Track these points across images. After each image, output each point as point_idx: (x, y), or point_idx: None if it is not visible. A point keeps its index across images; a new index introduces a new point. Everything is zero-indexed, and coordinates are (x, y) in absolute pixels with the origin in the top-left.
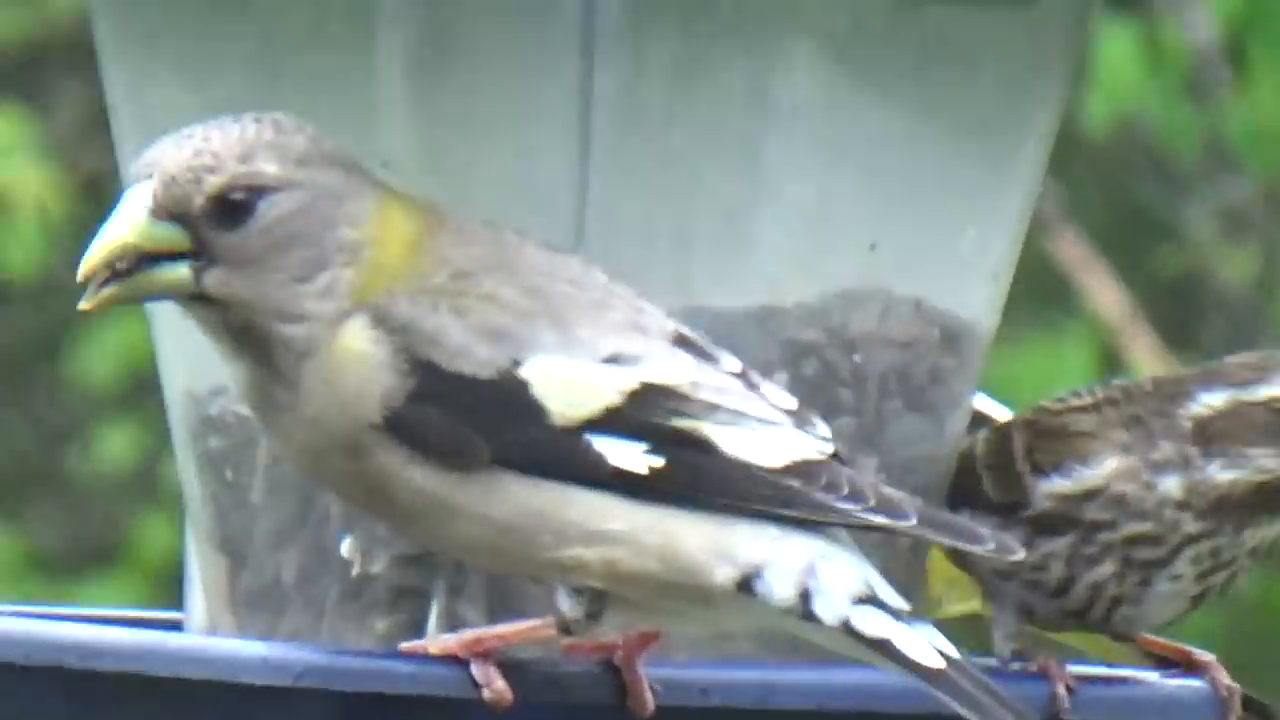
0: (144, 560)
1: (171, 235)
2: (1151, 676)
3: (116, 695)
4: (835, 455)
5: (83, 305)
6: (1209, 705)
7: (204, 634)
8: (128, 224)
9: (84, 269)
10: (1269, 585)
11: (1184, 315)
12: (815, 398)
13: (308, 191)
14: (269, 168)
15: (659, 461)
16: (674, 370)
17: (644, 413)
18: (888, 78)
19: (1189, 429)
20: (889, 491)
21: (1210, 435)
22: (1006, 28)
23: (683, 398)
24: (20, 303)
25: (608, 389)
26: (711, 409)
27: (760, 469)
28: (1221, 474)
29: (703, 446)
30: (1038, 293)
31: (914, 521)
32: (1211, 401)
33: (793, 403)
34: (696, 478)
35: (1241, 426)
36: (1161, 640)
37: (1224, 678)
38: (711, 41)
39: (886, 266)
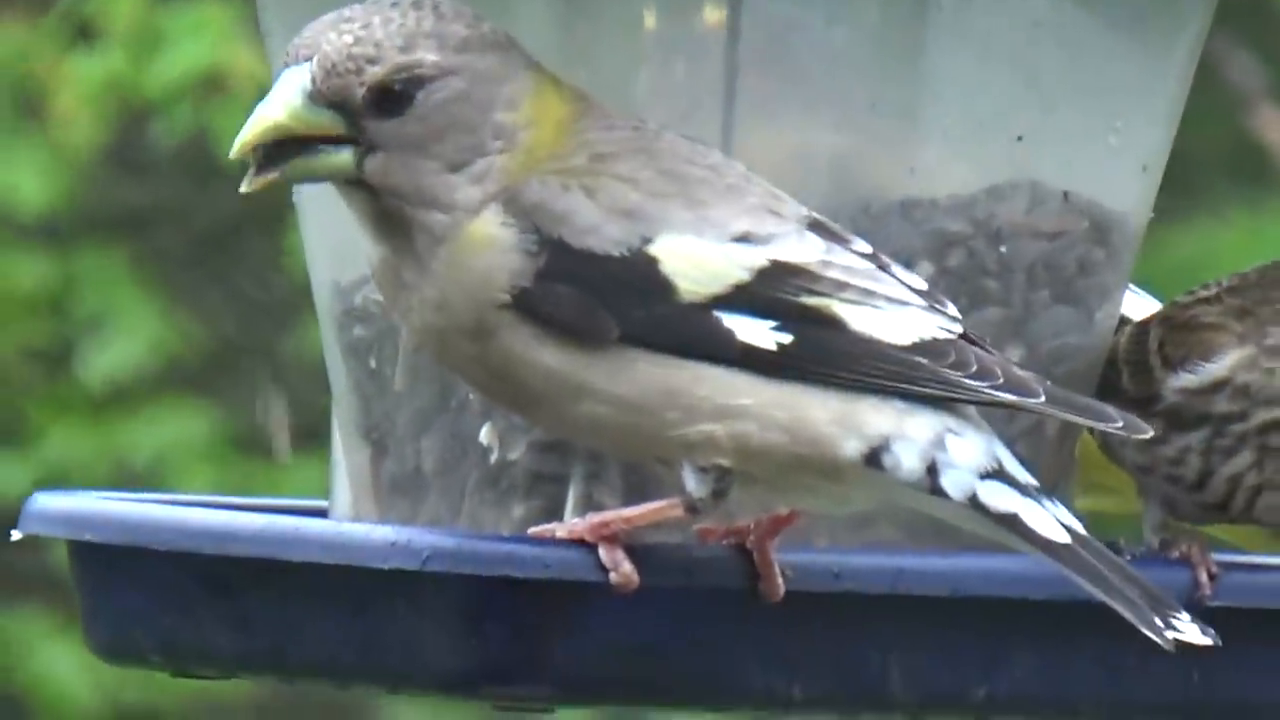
0: None
1: (327, 121)
2: None
3: (250, 581)
4: (964, 335)
5: (244, 188)
6: None
7: (345, 521)
8: (283, 106)
9: (238, 147)
10: None
11: None
12: (961, 288)
13: (466, 78)
14: (429, 56)
15: (787, 338)
16: (804, 249)
17: (773, 290)
18: None
19: None
20: (1018, 371)
21: None
22: None
23: (812, 276)
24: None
25: (737, 266)
26: (840, 287)
27: (888, 346)
28: None
29: (831, 323)
30: (1238, 170)
31: (1041, 399)
32: None
33: (922, 283)
34: (824, 354)
35: None
36: None
37: None
38: None
39: (1034, 158)
